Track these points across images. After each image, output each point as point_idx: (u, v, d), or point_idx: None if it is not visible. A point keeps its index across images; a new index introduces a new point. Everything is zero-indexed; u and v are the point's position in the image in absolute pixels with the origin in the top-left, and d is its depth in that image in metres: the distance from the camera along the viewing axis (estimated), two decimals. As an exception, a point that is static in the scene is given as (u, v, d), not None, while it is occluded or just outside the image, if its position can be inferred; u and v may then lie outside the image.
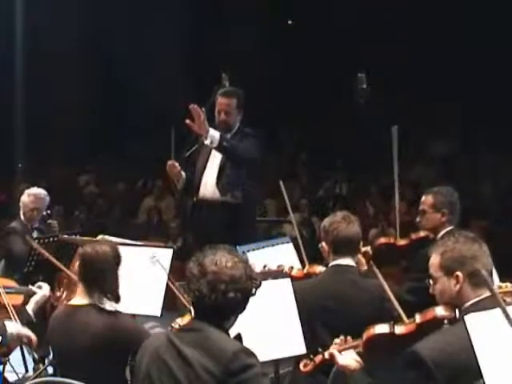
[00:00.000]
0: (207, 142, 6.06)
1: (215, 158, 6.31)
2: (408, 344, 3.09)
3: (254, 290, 3.18)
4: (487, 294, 3.10)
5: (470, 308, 3.09)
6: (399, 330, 3.38)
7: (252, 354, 3.10)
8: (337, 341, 3.55)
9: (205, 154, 6.38)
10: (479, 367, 2.77)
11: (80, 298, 4.11)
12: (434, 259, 3.25)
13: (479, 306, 3.05)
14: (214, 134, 6.06)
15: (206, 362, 3.04)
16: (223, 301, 3.10)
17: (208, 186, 6.31)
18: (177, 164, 6.40)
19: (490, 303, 2.87)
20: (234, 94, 6.41)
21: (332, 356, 3.49)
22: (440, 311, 3.26)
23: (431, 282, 3.28)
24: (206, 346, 3.07)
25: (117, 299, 4.10)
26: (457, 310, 3.19)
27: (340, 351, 3.47)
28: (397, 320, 3.53)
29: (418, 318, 3.36)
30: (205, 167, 6.35)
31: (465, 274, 3.15)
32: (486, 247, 3.26)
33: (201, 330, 3.12)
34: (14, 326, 4.43)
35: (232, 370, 3.02)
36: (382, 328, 3.43)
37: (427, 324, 3.29)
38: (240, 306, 3.16)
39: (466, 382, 2.89)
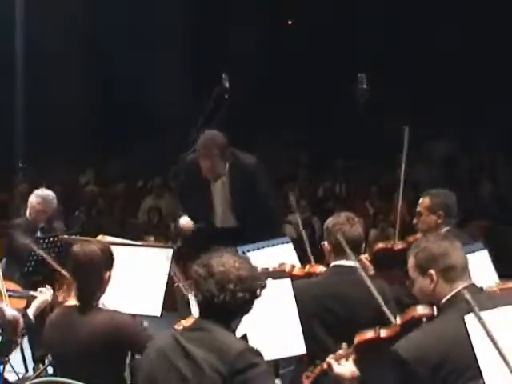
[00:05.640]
0: None
1: (219, 189, 6.11)
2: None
3: (259, 291, 3.22)
4: (462, 285, 3.21)
5: (447, 303, 3.21)
6: (384, 333, 3.46)
7: (258, 353, 3.13)
8: (343, 346, 3.57)
9: (203, 187, 6.10)
10: (478, 363, 2.83)
11: (74, 299, 4.09)
12: (410, 261, 3.39)
13: (456, 299, 3.16)
14: None
15: (213, 361, 3.07)
16: (232, 300, 3.14)
17: (226, 215, 6.13)
18: (189, 222, 6.11)
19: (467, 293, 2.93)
20: (212, 148, 5.90)
21: (329, 365, 3.52)
22: (418, 310, 3.37)
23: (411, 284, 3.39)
24: (212, 345, 3.10)
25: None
26: (434, 308, 3.30)
27: (337, 360, 3.51)
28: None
29: (398, 320, 3.46)
30: (211, 200, 6.12)
31: (438, 271, 3.26)
32: (458, 243, 3.36)
33: (207, 330, 3.15)
34: (9, 310, 4.61)
35: (237, 368, 3.05)
36: (368, 334, 3.50)
37: (408, 324, 3.38)
38: (247, 305, 3.21)
39: (445, 372, 3.02)
